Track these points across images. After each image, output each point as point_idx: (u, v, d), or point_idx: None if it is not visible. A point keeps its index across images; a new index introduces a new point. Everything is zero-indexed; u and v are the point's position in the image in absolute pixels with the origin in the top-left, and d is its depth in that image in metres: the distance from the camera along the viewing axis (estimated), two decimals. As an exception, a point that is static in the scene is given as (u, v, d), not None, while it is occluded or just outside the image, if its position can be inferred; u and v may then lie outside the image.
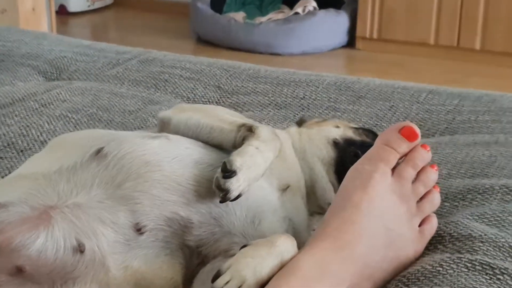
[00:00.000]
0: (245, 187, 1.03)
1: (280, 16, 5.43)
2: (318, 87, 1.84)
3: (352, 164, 1.11)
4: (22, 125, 1.57)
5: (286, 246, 0.98)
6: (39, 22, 4.25)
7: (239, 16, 5.44)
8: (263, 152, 1.06)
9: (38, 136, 1.53)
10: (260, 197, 1.09)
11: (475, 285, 0.99)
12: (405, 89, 1.81)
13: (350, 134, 1.25)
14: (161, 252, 1.03)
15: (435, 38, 5.23)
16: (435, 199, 1.11)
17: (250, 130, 1.09)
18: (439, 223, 1.16)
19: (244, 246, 0.98)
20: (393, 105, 1.73)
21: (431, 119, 1.67)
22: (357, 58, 5.46)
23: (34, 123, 1.58)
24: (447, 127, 1.62)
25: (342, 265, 0.98)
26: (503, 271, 1.02)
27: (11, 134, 1.52)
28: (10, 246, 0.93)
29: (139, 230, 1.01)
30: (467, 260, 1.04)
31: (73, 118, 1.63)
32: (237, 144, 1.09)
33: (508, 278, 1.01)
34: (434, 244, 1.11)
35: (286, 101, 1.77)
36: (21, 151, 1.46)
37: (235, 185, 1.01)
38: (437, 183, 1.27)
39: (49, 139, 1.52)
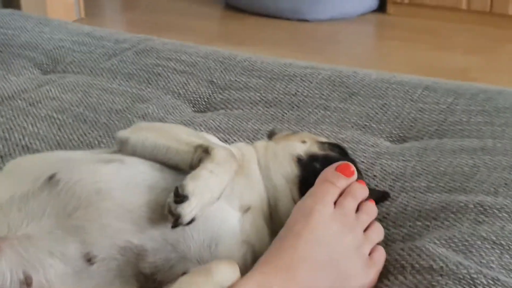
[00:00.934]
0: (198, 211, 1.01)
1: (308, -19, 5.33)
2: (311, 82, 1.80)
3: (315, 180, 1.12)
4: (6, 127, 1.56)
5: (224, 274, 0.96)
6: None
7: (267, -19, 5.36)
8: (217, 175, 1.04)
9: (20, 139, 1.52)
10: (219, 219, 1.08)
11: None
12: (400, 84, 1.76)
13: (315, 149, 1.22)
14: (115, 281, 1.02)
15: (467, 3, 5.10)
16: (380, 229, 1.13)
17: (206, 151, 1.07)
18: (406, 246, 1.13)
19: (184, 273, 0.97)
20: (385, 103, 1.69)
21: (422, 119, 1.62)
22: (387, 24, 5.35)
23: (18, 125, 1.58)
24: (437, 129, 1.57)
25: (283, 286, 0.97)
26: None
27: (-8, 138, 1.52)
28: None
29: (89, 260, 0.99)
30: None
31: (58, 119, 1.62)
32: (194, 166, 1.07)
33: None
34: (395, 274, 1.09)
35: (277, 98, 1.74)
36: (1, 157, 1.46)
37: (187, 210, 0.99)
38: (414, 197, 1.26)
39: (30, 143, 1.52)
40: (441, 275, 1.05)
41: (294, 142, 1.24)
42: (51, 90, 1.77)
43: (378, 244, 1.12)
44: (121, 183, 1.04)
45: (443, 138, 1.54)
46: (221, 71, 1.89)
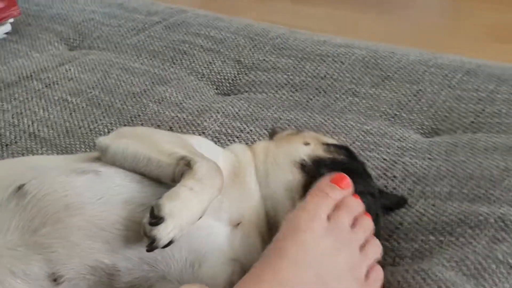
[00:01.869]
0: (177, 234, 0.92)
1: None
2: (343, 64, 1.68)
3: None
4: (17, 112, 1.51)
5: None
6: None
7: None
8: (198, 194, 0.94)
9: (28, 126, 1.47)
10: (204, 236, 0.99)
11: None
12: (439, 68, 1.62)
13: (320, 152, 1.11)
14: None
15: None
16: (378, 245, 1.01)
17: (189, 165, 0.98)
18: (411, 268, 1.03)
19: None
20: (420, 89, 1.56)
21: (458, 109, 1.48)
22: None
23: (30, 109, 1.52)
24: (472, 122, 1.44)
25: None
26: None
27: (1, 124, 1.47)
28: None
29: (55, 280, 0.92)
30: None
31: (72, 103, 1.56)
32: (176, 179, 0.98)
33: None
34: (396, 300, 0.99)
35: (304, 81, 1.63)
36: (6, 145, 1.41)
37: (162, 233, 0.90)
38: (432, 205, 1.15)
39: (39, 130, 1.47)
40: (442, 307, 0.94)
41: (296, 145, 1.13)
42: (70, 70, 1.71)
43: (376, 262, 1.01)
44: (93, 197, 0.96)
45: (477, 132, 1.41)
46: (250, 49, 1.79)
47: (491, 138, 1.36)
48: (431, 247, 1.09)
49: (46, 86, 1.63)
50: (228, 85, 1.68)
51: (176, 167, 0.98)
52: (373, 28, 3.60)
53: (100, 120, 1.48)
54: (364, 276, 0.97)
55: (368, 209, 1.04)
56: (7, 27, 1.94)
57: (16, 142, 1.42)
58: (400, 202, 1.21)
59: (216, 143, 1.38)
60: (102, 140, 1.04)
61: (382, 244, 1.11)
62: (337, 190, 1.00)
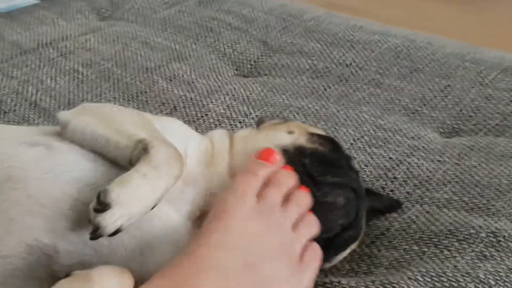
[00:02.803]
0: (125, 223, 0.85)
1: None
2: (373, 52, 1.59)
3: (304, 178, 0.95)
4: (24, 79, 1.49)
5: (105, 282, 0.81)
6: None
7: None
8: (152, 181, 0.87)
9: (31, 95, 1.45)
10: (159, 226, 0.92)
11: None
12: (475, 63, 1.51)
13: (303, 141, 1.03)
14: (26, 283, 0.89)
15: None
16: (312, 221, 0.93)
17: (146, 149, 0.91)
18: (378, 279, 0.95)
19: (67, 275, 0.83)
20: (449, 85, 1.45)
21: (485, 109, 1.38)
22: None
23: (37, 78, 1.50)
24: (497, 124, 1.33)
25: None
26: None
27: (5, 90, 1.45)
28: None
29: None
30: None
31: (82, 74, 1.52)
32: (133, 163, 0.91)
33: None
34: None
35: (327, 68, 1.55)
36: (5, 112, 1.39)
37: (108, 221, 0.83)
38: (427, 211, 1.06)
39: (41, 100, 1.44)
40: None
41: (279, 133, 1.06)
42: (90, 40, 1.68)
43: (312, 240, 0.92)
44: (39, 171, 0.90)
45: (500, 136, 1.30)
46: (280, 30, 1.72)
47: (511, 144, 1.25)
48: (411, 258, 1.01)
49: (61, 55, 1.61)
50: (249, 66, 1.61)
51: (134, 150, 0.91)
52: (456, 21, 3.43)
53: (105, 93, 1.45)
54: (299, 256, 0.89)
55: (346, 205, 0.96)
56: (40, -7, 1.94)
57: (15, 110, 1.40)
58: (393, 206, 1.12)
59: (215, 127, 1.33)
60: (64, 115, 0.98)
61: (362, 250, 1.03)
62: (265, 166, 0.94)
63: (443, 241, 1.02)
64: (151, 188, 0.87)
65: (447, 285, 0.93)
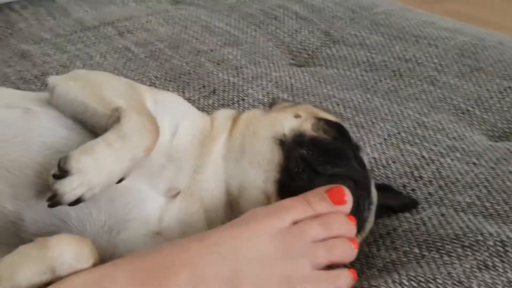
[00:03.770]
0: (85, 193, 0.82)
1: None
2: (437, 48, 1.51)
3: (297, 170, 0.90)
4: (74, 54, 1.52)
5: (62, 252, 0.78)
6: None
7: None
8: (117, 151, 0.84)
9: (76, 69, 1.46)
10: (130, 201, 0.89)
11: None
12: (547, 65, 1.40)
13: (307, 127, 0.96)
14: None
15: None
16: (340, 279, 0.83)
17: (119, 118, 0.87)
18: (361, 282, 0.90)
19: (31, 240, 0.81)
20: (509, 87, 1.36)
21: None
22: None
23: (87, 54, 1.52)
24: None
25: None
26: None
27: (53, 63, 1.48)
28: None
29: None
30: None
31: (132, 52, 1.53)
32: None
33: None
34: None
35: (384, 62, 1.48)
36: (46, 85, 1.41)
37: (66, 189, 0.81)
38: (441, 214, 0.99)
39: (85, 74, 1.45)
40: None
41: (284, 116, 1.00)
42: (151, 21, 1.69)
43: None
44: (8, 134, 0.88)
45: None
46: (345, 22, 1.67)
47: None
48: (408, 261, 0.94)
49: (119, 34, 1.62)
50: (306, 56, 1.57)
51: (109, 118, 0.88)
52: None
53: (149, 72, 1.45)
54: None
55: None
56: (120, -26, 1.97)
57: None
58: (407, 205, 1.05)
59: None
60: (53, 79, 0.96)
61: (361, 249, 0.97)
62: (325, 204, 0.86)
63: (447, 246, 0.94)
64: (115, 158, 0.84)
65: (428, 290, 0.86)
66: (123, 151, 0.84)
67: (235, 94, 1.36)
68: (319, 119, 0.99)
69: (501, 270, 0.89)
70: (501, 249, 0.92)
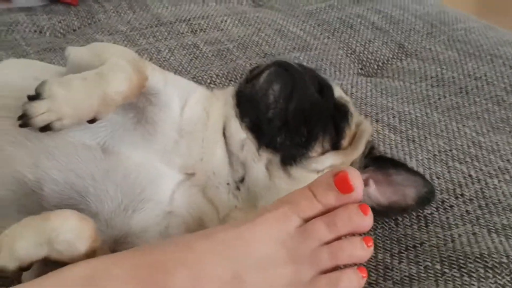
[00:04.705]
0: (56, 123, 0.84)
1: None
2: (511, 68, 1.47)
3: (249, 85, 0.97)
4: (144, 48, 1.57)
5: (61, 225, 0.80)
6: None
7: None
8: (89, 86, 0.85)
9: (143, 62, 1.51)
10: (145, 178, 0.91)
11: None
12: None
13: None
14: (12, 215, 0.89)
15: None
16: (343, 281, 0.82)
17: None
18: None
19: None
20: None
21: None
22: None
23: (156, 48, 1.57)
24: None
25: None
26: None
27: (122, 55, 1.53)
28: None
29: None
30: None
31: (201, 49, 1.57)
32: None
33: None
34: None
35: (454, 78, 1.46)
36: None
37: (35, 111, 0.83)
38: (473, 233, 0.98)
39: (150, 67, 1.50)
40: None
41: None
42: (226, 21, 1.73)
43: None
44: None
45: None
46: (422, 35, 1.65)
47: None
48: (426, 277, 0.93)
49: (191, 31, 1.66)
50: (375, 67, 1.56)
51: None
52: None
53: (211, 70, 1.47)
54: None
55: (269, 77, 0.96)
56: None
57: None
58: (423, 199, 1.02)
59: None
60: (69, 48, 0.98)
61: (383, 259, 0.97)
62: (332, 193, 0.83)
63: (469, 265, 0.92)
64: (86, 92, 0.85)
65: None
66: (95, 87, 0.85)
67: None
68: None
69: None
70: (525, 272, 0.89)
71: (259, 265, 0.80)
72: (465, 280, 0.89)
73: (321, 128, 0.96)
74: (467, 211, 1.05)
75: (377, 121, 1.29)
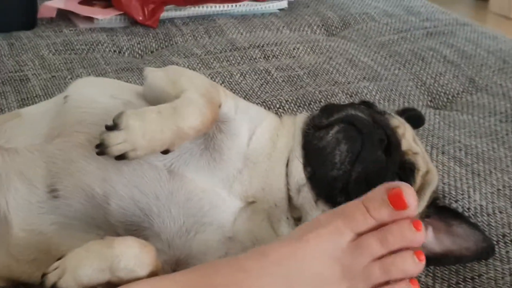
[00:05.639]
0: (130, 153, 0.88)
1: None
2: None
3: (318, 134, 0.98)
4: (217, 71, 1.63)
5: (124, 252, 0.85)
6: None
7: None
8: (163, 120, 0.89)
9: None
10: (207, 204, 0.95)
11: None
12: None
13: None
14: (88, 229, 0.95)
15: None
16: None
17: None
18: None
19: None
20: None
21: None
22: None
23: (229, 72, 1.62)
24: None
25: None
26: None
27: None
28: None
29: (52, 192, 0.95)
30: None
31: (272, 75, 1.62)
32: None
33: None
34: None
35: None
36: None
37: (111, 141, 0.88)
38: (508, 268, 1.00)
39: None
40: None
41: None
42: (298, 49, 1.78)
43: None
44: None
45: None
46: (494, 71, 1.68)
47: None
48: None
49: (264, 57, 1.72)
50: (445, 100, 1.59)
51: (175, 99, 0.94)
52: None
53: (281, 95, 1.53)
54: None
55: (341, 139, 0.96)
56: (283, 3, 2.08)
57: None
58: (481, 253, 1.04)
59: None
60: (147, 70, 1.02)
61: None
62: (385, 208, 0.84)
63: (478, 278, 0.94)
64: (160, 126, 0.89)
65: None
66: (169, 121, 0.90)
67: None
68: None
69: None
70: None
71: (313, 283, 0.83)
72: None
73: None
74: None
75: (443, 153, 1.31)
